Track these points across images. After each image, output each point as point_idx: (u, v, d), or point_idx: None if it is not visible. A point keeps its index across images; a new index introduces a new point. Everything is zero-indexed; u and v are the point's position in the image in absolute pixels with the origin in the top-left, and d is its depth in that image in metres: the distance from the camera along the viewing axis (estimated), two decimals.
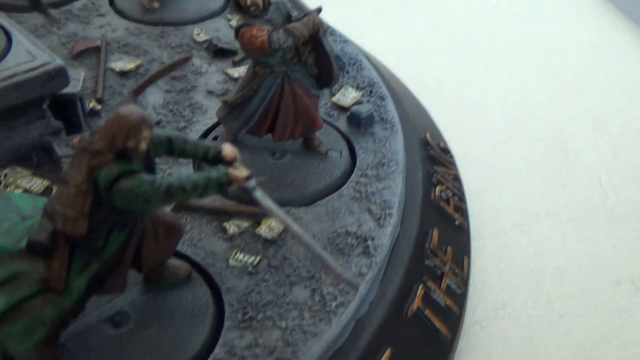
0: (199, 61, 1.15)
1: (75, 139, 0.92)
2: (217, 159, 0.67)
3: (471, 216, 1.05)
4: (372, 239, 0.84)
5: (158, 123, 1.01)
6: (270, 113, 0.90)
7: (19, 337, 0.60)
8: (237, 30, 0.83)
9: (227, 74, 1.12)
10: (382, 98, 1.09)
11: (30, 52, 0.89)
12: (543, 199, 1.13)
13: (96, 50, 1.15)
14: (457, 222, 1.00)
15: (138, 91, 0.68)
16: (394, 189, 0.92)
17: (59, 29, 1.20)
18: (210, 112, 1.03)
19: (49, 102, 0.93)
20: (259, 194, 0.66)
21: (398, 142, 1.00)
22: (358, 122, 1.02)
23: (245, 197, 0.66)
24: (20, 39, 0.92)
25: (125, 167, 0.59)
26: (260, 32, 0.81)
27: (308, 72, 0.89)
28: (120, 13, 1.28)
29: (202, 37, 1.21)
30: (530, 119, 1.33)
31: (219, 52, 1.16)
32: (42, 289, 0.61)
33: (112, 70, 1.11)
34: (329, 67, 0.88)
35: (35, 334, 0.61)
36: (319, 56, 0.88)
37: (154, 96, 1.06)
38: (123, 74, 1.11)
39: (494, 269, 0.99)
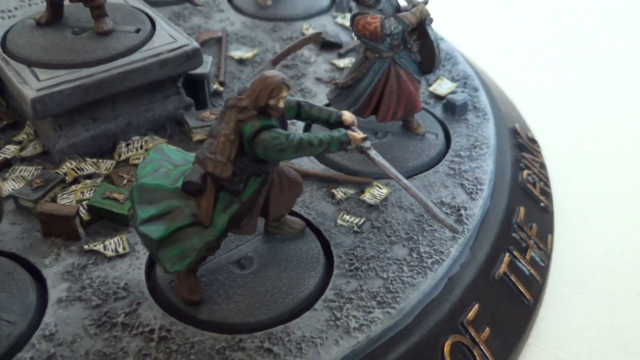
0: (308, 52, 1.26)
1: (204, 113, 1.04)
2: (338, 123, 0.78)
3: (556, 201, 1.12)
4: (465, 209, 0.93)
5: None
6: (375, 95, 0.99)
7: (174, 259, 0.72)
8: (353, 18, 0.94)
9: (333, 64, 1.24)
10: (476, 89, 1.18)
11: (172, 35, 1.02)
12: (625, 188, 1.18)
13: (217, 40, 1.29)
14: (542, 204, 1.08)
15: (276, 61, 0.80)
16: (485, 168, 1.01)
17: (185, 22, 1.35)
18: (318, 96, 1.15)
19: (182, 80, 1.06)
20: (373, 153, 0.77)
21: (490, 129, 1.09)
22: (453, 109, 1.11)
23: (362, 154, 0.77)
24: (163, 24, 1.05)
25: (265, 122, 0.71)
26: (374, 19, 0.92)
27: (412, 59, 0.98)
28: (238, 9, 1.42)
29: (310, 32, 1.32)
30: (615, 115, 1.38)
31: (326, 45, 1.28)
32: (193, 223, 0.73)
33: (231, 57, 1.24)
34: (432, 54, 0.97)
35: (186, 259, 0.72)
36: (423, 44, 0.97)
37: None
38: (241, 61, 1.24)
39: (576, 249, 1.05)
